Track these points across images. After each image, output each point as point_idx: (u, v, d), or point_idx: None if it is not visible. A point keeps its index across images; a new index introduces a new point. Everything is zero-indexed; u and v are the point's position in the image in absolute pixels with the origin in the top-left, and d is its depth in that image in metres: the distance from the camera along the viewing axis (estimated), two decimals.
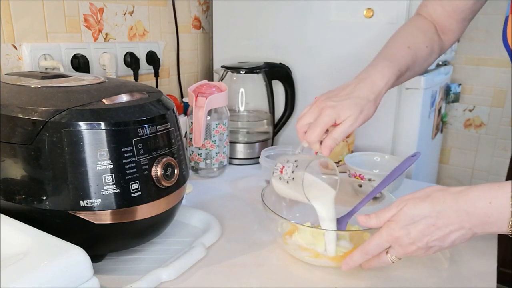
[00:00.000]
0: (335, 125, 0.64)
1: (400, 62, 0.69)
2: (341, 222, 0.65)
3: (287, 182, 0.61)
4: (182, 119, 0.79)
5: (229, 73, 1.09)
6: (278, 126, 1.17)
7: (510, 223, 0.47)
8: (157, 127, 0.55)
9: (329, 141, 0.63)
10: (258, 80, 1.11)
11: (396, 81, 0.70)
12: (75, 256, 0.42)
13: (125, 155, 0.51)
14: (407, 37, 0.75)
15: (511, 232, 0.48)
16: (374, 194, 0.66)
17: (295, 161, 0.62)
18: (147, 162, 0.54)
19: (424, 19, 0.78)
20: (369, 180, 0.83)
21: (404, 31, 0.76)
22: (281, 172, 0.63)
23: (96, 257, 0.58)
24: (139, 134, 0.53)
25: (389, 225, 0.52)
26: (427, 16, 0.78)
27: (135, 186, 0.52)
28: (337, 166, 1.01)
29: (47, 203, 0.50)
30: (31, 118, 0.49)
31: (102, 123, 0.50)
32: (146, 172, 0.53)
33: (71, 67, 0.95)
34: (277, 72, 1.12)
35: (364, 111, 0.64)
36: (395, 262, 0.54)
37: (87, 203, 0.50)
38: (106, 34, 1.04)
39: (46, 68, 0.89)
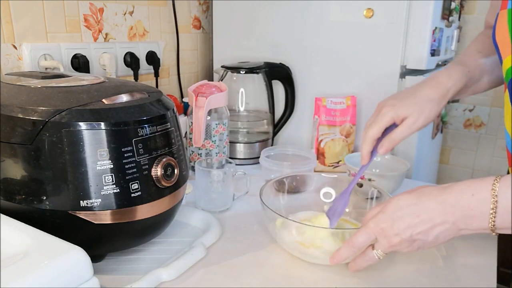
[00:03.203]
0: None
1: (470, 64, 0.66)
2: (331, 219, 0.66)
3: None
4: (182, 119, 0.79)
5: (229, 73, 1.09)
6: (278, 126, 1.17)
7: (491, 217, 0.47)
8: (157, 127, 0.55)
9: (387, 142, 0.62)
10: (258, 80, 1.11)
11: (467, 87, 0.66)
12: (75, 256, 0.42)
13: (125, 155, 0.51)
14: (476, 44, 0.72)
15: (493, 228, 0.48)
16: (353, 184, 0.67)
17: None
18: (147, 162, 0.54)
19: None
20: (369, 180, 0.83)
21: (475, 40, 0.74)
22: None
23: (96, 257, 0.58)
24: (139, 134, 0.53)
25: (376, 216, 0.54)
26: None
27: (135, 186, 0.52)
28: (337, 166, 1.01)
29: (47, 203, 0.50)
30: (31, 118, 0.49)
31: (102, 123, 0.50)
32: (146, 172, 0.54)
33: (71, 67, 0.95)
34: (277, 72, 1.12)
35: (424, 112, 0.61)
36: (381, 258, 0.54)
37: (87, 203, 0.50)
38: (106, 34, 1.04)
39: (46, 68, 0.89)
